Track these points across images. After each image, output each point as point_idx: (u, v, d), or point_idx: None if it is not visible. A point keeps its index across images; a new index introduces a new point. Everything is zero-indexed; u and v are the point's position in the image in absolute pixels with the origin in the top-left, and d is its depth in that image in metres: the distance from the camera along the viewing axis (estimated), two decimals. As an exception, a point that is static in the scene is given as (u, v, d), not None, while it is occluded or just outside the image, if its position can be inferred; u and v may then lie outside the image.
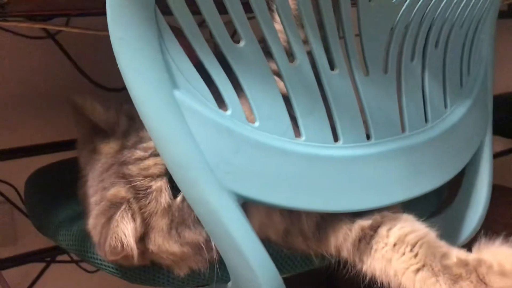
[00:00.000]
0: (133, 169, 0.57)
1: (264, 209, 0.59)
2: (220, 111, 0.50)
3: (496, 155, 2.15)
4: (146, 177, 0.56)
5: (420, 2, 0.57)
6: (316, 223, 0.61)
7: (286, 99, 0.53)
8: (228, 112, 0.50)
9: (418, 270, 0.56)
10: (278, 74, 0.52)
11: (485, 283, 0.53)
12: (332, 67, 0.54)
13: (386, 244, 0.59)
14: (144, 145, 0.58)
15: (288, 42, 0.52)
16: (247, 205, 0.53)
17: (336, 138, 0.56)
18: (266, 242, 0.60)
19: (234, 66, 0.49)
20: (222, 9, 0.47)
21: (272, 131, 0.52)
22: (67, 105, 0.63)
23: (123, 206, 0.56)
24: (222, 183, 0.49)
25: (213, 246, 0.55)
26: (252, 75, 0.51)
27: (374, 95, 0.58)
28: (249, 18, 0.49)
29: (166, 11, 0.46)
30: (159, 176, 0.56)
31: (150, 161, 0.57)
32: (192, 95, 0.48)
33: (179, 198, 0.57)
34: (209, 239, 0.56)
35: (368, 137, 0.58)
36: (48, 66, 1.19)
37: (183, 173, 0.49)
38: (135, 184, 0.56)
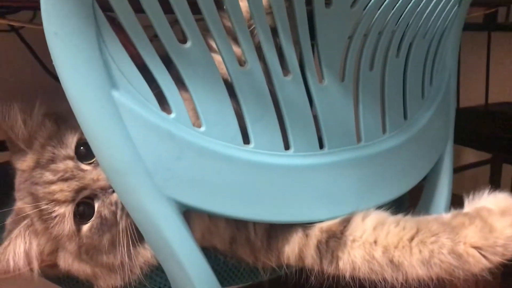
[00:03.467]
0: (40, 191, 0.56)
1: (209, 216, 0.56)
2: (163, 114, 0.47)
3: (468, 167, 2.16)
4: (51, 201, 0.55)
5: (380, 10, 0.56)
6: (265, 231, 0.59)
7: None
8: (172, 116, 0.48)
9: (412, 237, 0.54)
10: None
11: (490, 225, 0.52)
12: (285, 73, 0.52)
13: (364, 230, 0.56)
14: (54, 166, 0.56)
15: (239, 45, 0.50)
16: (189, 212, 0.51)
17: (287, 146, 0.54)
18: (212, 251, 0.58)
19: (179, 67, 0.47)
20: (167, 8, 0.45)
21: (219, 137, 0.50)
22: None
23: (24, 222, 0.56)
24: (162, 190, 0.47)
25: (128, 269, 0.55)
26: (199, 78, 0.48)
27: (329, 103, 0.56)
28: (197, 20, 0.47)
29: (106, 6, 0.43)
30: (64, 202, 0.55)
31: (56, 187, 0.55)
32: (132, 96, 0.45)
33: (86, 227, 0.56)
34: (125, 262, 0.55)
35: (322, 146, 0.56)
36: (10, 60, 1.16)
37: (120, 178, 0.46)
38: (40, 205, 0.55)
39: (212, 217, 0.57)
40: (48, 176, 0.55)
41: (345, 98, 0.57)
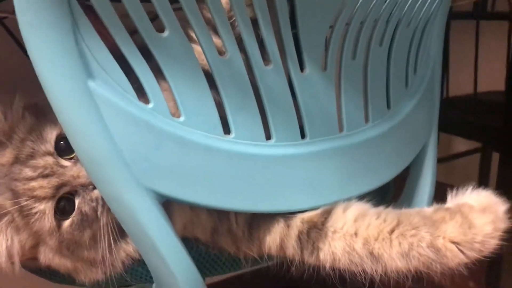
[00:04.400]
0: (19, 187, 0.55)
1: (190, 207, 0.56)
2: (140, 103, 0.47)
3: (458, 156, 2.16)
4: (31, 197, 0.54)
5: (362, -2, 0.55)
6: (246, 221, 0.59)
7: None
8: (150, 105, 0.47)
9: (393, 229, 0.54)
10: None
11: (469, 221, 0.53)
12: (266, 62, 0.52)
13: (345, 222, 0.56)
14: (34, 162, 0.55)
15: (219, 35, 0.49)
16: (170, 203, 0.51)
17: (268, 136, 0.54)
18: (194, 242, 0.58)
19: (157, 57, 0.47)
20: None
21: (199, 127, 0.50)
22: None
23: (5, 218, 0.55)
24: (140, 180, 0.47)
25: (110, 263, 0.55)
26: (178, 67, 0.48)
27: (310, 92, 0.55)
28: (175, 9, 0.46)
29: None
30: (44, 199, 0.55)
31: (36, 183, 0.54)
32: (109, 86, 0.45)
33: (67, 223, 0.55)
34: (106, 257, 0.55)
35: (303, 135, 0.56)
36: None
37: (97, 169, 0.46)
38: (20, 202, 0.54)
39: (194, 208, 0.57)
40: (28, 172, 0.55)
41: (327, 87, 0.57)
